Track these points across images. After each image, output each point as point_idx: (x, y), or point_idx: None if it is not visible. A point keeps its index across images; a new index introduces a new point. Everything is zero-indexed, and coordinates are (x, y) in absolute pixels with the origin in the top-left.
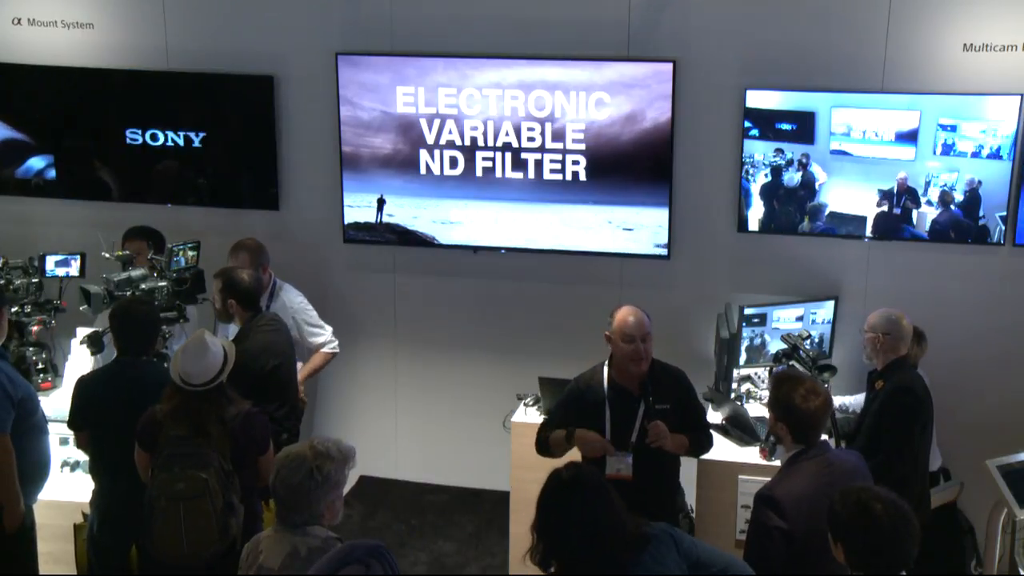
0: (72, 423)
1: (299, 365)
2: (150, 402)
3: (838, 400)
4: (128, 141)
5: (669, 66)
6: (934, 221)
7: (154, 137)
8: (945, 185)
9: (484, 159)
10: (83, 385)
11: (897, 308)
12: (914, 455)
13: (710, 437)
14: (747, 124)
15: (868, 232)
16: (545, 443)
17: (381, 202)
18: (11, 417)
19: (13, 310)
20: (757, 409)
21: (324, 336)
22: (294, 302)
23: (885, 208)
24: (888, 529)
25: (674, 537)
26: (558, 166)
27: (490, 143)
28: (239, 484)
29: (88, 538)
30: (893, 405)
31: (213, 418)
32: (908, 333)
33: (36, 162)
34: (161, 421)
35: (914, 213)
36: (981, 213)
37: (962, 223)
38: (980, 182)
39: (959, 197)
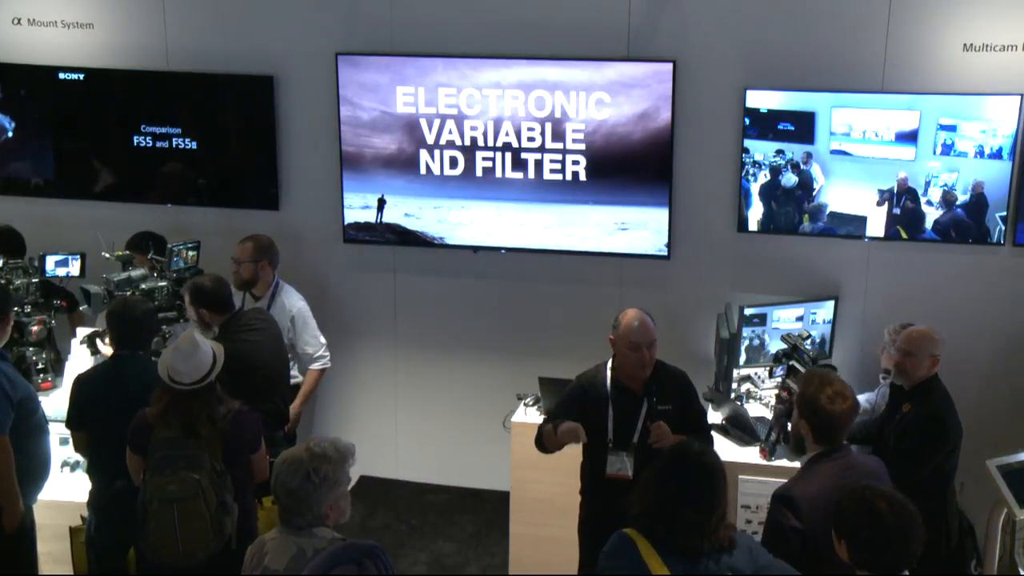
0: (71, 422)
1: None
2: (148, 400)
3: None
4: (128, 141)
5: (669, 66)
6: (936, 221)
7: (154, 137)
8: (945, 185)
9: (484, 159)
10: (81, 383)
11: (898, 309)
12: (926, 475)
13: (710, 439)
14: (747, 124)
15: (880, 231)
16: (541, 438)
17: (381, 202)
18: (10, 418)
19: (14, 310)
20: (757, 409)
21: (314, 348)
22: (295, 305)
23: (886, 208)
24: (892, 527)
25: (752, 550)
26: (558, 166)
27: (490, 143)
28: (232, 483)
29: (87, 538)
30: (918, 433)
31: (203, 418)
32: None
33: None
34: (151, 424)
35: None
36: (985, 215)
37: (964, 223)
38: (984, 184)
39: (963, 198)
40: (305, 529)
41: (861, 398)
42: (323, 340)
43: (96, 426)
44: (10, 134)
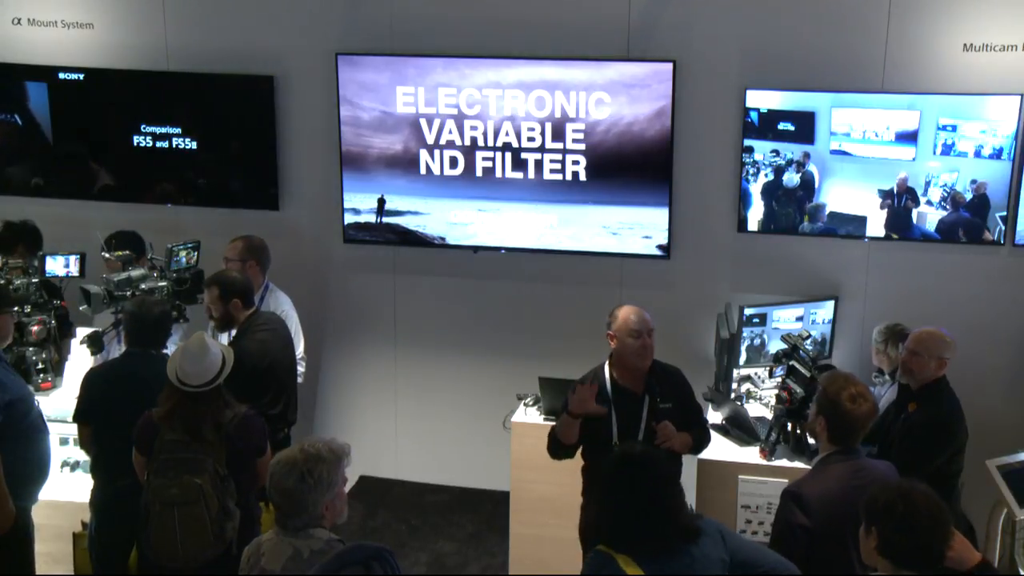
0: (77, 416)
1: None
2: (155, 400)
3: None
4: (128, 141)
5: (669, 66)
6: (941, 221)
7: (154, 137)
8: (945, 185)
9: (484, 159)
10: (91, 378)
11: (898, 309)
12: (928, 476)
13: (709, 433)
14: (747, 124)
15: (880, 231)
16: (555, 440)
17: (381, 202)
18: None
19: (14, 310)
20: (757, 409)
21: None
22: (280, 307)
23: (888, 208)
24: (925, 516)
25: (722, 533)
26: (558, 166)
27: (490, 143)
28: (235, 488)
29: (88, 538)
30: (922, 435)
31: (209, 421)
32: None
33: None
34: (157, 424)
35: (914, 213)
36: (988, 215)
37: (968, 223)
38: (987, 184)
39: (967, 197)
40: (301, 530)
41: None
42: (302, 350)
43: (101, 422)
44: None
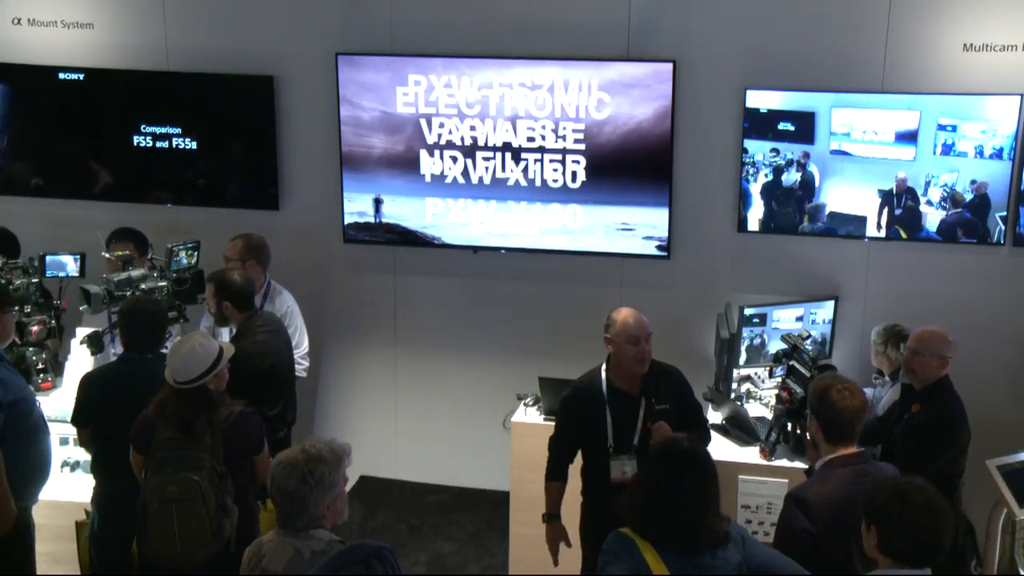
0: (76, 419)
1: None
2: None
3: None
4: (128, 141)
5: (669, 66)
6: (942, 221)
7: (154, 137)
8: (945, 185)
9: (484, 159)
10: (88, 381)
11: (898, 309)
12: (930, 476)
13: (708, 433)
14: (747, 124)
15: (882, 231)
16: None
17: (378, 202)
18: None
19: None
20: (757, 409)
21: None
22: (285, 304)
23: (886, 208)
24: (923, 509)
25: (744, 537)
26: (558, 166)
27: (490, 143)
28: (233, 485)
29: (90, 536)
30: (924, 435)
31: (201, 417)
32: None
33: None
34: (154, 423)
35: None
36: (989, 215)
37: (969, 222)
38: (988, 184)
39: (967, 197)
40: (302, 531)
41: None
42: (306, 346)
43: (100, 425)
44: None
